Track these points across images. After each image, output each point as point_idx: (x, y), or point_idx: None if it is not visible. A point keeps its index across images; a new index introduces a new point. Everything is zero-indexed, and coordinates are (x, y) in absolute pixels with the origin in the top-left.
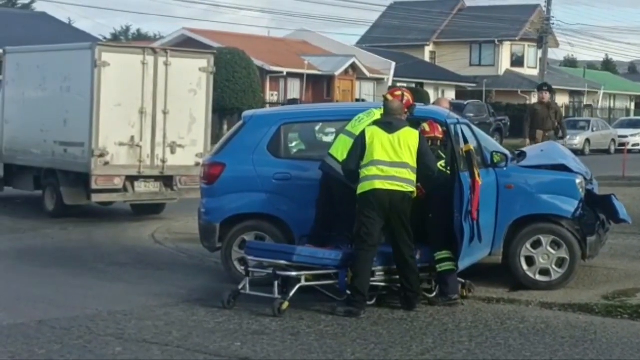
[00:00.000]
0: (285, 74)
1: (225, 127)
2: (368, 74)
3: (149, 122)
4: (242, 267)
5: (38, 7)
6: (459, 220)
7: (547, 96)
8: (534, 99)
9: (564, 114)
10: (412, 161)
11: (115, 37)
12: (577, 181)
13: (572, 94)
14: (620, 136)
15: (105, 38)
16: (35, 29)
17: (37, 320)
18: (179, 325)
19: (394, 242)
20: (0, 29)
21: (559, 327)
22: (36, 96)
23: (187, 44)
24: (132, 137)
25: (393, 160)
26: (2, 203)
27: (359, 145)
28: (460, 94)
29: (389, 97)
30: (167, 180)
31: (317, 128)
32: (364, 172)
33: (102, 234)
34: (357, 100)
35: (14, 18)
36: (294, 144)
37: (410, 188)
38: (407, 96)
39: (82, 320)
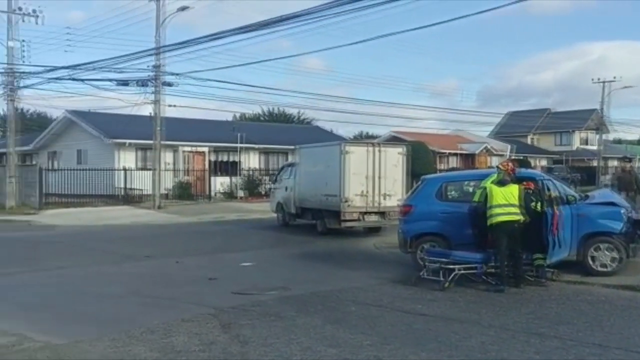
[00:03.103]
0: (447, 153)
1: (414, 183)
2: (495, 152)
3: (372, 182)
4: (423, 262)
5: (317, 122)
6: (546, 235)
7: (628, 165)
8: (594, 163)
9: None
10: (517, 203)
11: (355, 137)
12: (622, 211)
13: (618, 159)
14: None
15: (350, 138)
16: (312, 135)
17: (310, 292)
18: (387, 294)
19: (511, 249)
20: (295, 135)
21: (613, 299)
22: (312, 170)
23: (393, 140)
24: (362, 191)
25: (506, 203)
26: (296, 228)
27: (485, 195)
28: (551, 162)
29: (500, 167)
30: (382, 214)
31: (463, 184)
32: (492, 211)
33: (347, 243)
34: (489, 167)
35: (301, 130)
36: (450, 193)
37: (518, 217)
38: (511, 165)
39: (333, 292)
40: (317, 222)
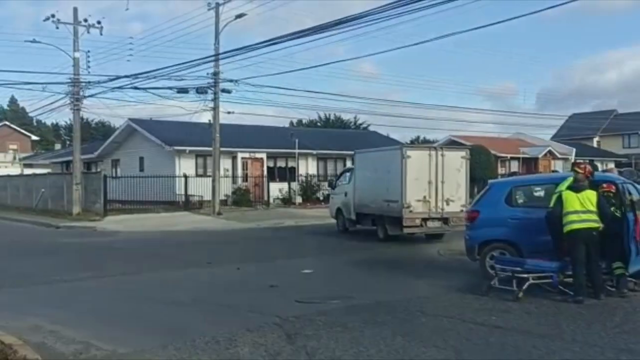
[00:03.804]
0: (508, 157)
1: (475, 189)
2: (558, 156)
3: (433, 187)
4: (492, 271)
5: (371, 127)
6: (627, 242)
7: None
8: None
9: None
10: (594, 209)
11: (412, 142)
12: None
13: None
14: None
15: (406, 142)
16: (369, 140)
17: (375, 301)
18: (457, 305)
19: (588, 258)
20: (352, 141)
21: None
22: (371, 176)
23: (451, 144)
24: (424, 196)
25: (583, 209)
26: (355, 234)
27: (559, 201)
28: (617, 165)
29: (577, 169)
30: (445, 220)
31: (534, 188)
32: (567, 218)
33: (409, 250)
34: (553, 171)
35: (358, 135)
36: (520, 198)
37: (596, 225)
38: (589, 167)
39: (400, 301)
40: (377, 228)
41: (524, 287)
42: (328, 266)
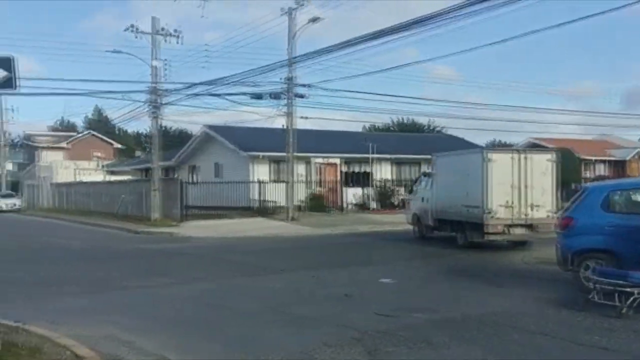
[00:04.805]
0: (594, 160)
1: (559, 193)
2: None
3: (517, 192)
4: (590, 283)
5: (446, 131)
6: None
7: None
8: None
9: None
10: None
11: (487, 146)
12: None
13: None
14: None
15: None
16: (445, 143)
17: (461, 314)
18: (551, 320)
19: None
20: (427, 144)
21: None
22: (451, 180)
23: (532, 146)
24: (507, 201)
25: None
26: (433, 241)
27: None
28: None
29: None
30: (529, 227)
31: (630, 193)
32: None
33: (491, 258)
34: None
35: (433, 138)
36: (619, 203)
37: None
38: None
39: (488, 315)
40: (457, 234)
41: (629, 302)
42: (407, 275)
